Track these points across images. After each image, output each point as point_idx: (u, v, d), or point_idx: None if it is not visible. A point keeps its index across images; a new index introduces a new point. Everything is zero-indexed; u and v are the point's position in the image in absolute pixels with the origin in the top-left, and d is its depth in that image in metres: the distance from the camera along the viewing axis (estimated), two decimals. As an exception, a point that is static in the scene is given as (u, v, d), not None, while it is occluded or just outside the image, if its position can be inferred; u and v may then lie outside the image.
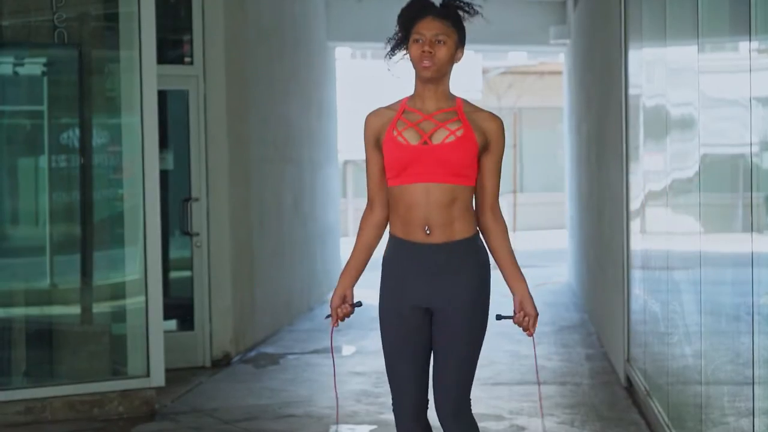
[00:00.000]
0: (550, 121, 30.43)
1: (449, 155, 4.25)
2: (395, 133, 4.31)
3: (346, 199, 31.23)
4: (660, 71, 6.84)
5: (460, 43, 4.39)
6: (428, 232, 4.28)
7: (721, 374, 5.24)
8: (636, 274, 8.21)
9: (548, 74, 30.35)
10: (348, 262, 4.57)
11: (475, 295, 4.34)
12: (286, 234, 12.57)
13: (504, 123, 4.45)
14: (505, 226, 4.48)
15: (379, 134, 4.39)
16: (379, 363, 9.92)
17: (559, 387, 8.73)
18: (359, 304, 4.50)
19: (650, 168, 7.37)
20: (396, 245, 4.39)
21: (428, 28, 4.31)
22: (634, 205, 8.20)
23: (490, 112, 4.44)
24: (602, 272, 10.71)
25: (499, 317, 4.42)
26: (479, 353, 4.44)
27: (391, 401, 4.54)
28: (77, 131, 8.63)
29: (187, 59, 10.15)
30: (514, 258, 4.44)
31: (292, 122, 13.05)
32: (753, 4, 4.28)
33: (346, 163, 32.15)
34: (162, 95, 9.97)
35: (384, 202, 4.46)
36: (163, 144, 10.12)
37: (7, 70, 8.97)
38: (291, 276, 12.79)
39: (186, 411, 8.15)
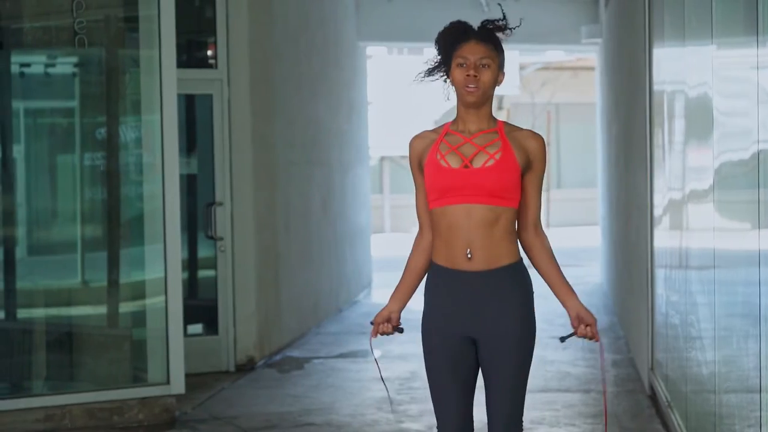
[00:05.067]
0: (588, 115, 30.25)
1: (489, 178, 4.23)
2: (438, 156, 4.30)
3: (382, 195, 31.18)
4: (684, 71, 6.75)
5: (502, 65, 4.36)
6: (470, 256, 4.25)
7: (737, 382, 5.16)
8: (660, 278, 8.11)
9: (586, 69, 30.17)
10: (397, 286, 4.58)
11: (521, 323, 4.33)
12: (314, 236, 12.52)
13: (543, 136, 4.41)
14: (548, 242, 4.45)
15: (422, 157, 4.38)
16: (403, 368, 9.89)
17: (583, 395, 8.64)
18: (401, 330, 4.55)
19: (674, 169, 7.28)
20: (438, 274, 4.37)
21: (472, 52, 4.27)
22: (659, 204, 8.10)
23: (531, 131, 4.40)
24: (629, 274, 10.62)
25: (563, 339, 4.43)
26: (527, 378, 4.43)
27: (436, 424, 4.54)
28: (102, 131, 8.68)
29: (211, 61, 10.13)
30: (561, 272, 4.42)
31: (320, 123, 13.01)
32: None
33: (382, 159, 32.10)
34: (189, 99, 10.00)
35: (431, 226, 4.44)
36: (191, 148, 10.12)
37: (36, 70, 9.04)
38: (319, 278, 12.75)
39: (206, 418, 8.13)
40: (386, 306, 4.54)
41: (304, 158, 12.08)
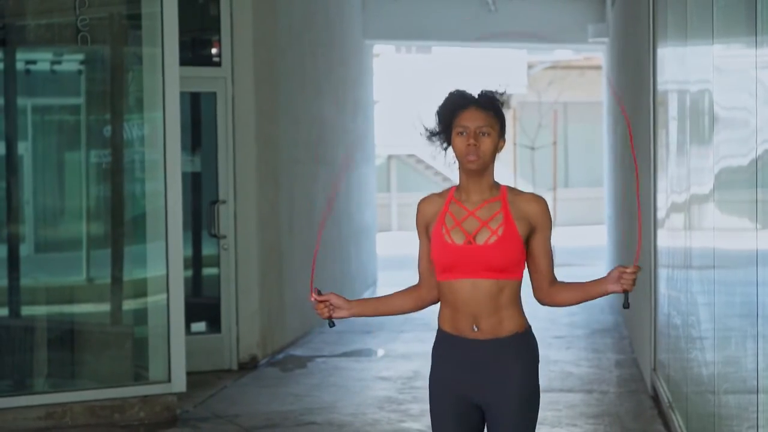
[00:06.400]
0: (595, 115, 30.21)
1: (492, 256, 4.24)
2: (443, 230, 4.31)
3: (389, 194, 31.16)
4: (686, 71, 6.73)
5: (502, 132, 4.35)
6: (476, 329, 4.27)
7: (737, 382, 5.14)
8: (663, 278, 8.09)
9: (593, 68, 30.14)
10: (368, 298, 4.58)
11: (526, 392, 4.33)
12: (317, 235, 12.50)
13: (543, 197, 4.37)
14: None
15: (429, 224, 4.39)
16: (406, 367, 9.88)
17: (585, 395, 8.62)
18: (332, 323, 4.43)
19: (676, 169, 7.26)
20: (444, 339, 4.38)
21: (471, 120, 4.25)
22: (662, 204, 8.08)
23: (533, 194, 4.39)
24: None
25: (626, 304, 4.29)
26: None
27: None
28: (108, 129, 8.69)
29: (215, 59, 10.12)
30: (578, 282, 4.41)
31: (325, 122, 12.99)
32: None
33: (390, 158, 32.08)
34: (194, 97, 9.99)
35: (429, 285, 4.46)
36: (195, 146, 10.12)
37: (41, 67, 9.05)
38: (323, 276, 12.72)
39: (207, 417, 8.12)
40: (344, 298, 4.44)
41: (308, 157, 12.07)
